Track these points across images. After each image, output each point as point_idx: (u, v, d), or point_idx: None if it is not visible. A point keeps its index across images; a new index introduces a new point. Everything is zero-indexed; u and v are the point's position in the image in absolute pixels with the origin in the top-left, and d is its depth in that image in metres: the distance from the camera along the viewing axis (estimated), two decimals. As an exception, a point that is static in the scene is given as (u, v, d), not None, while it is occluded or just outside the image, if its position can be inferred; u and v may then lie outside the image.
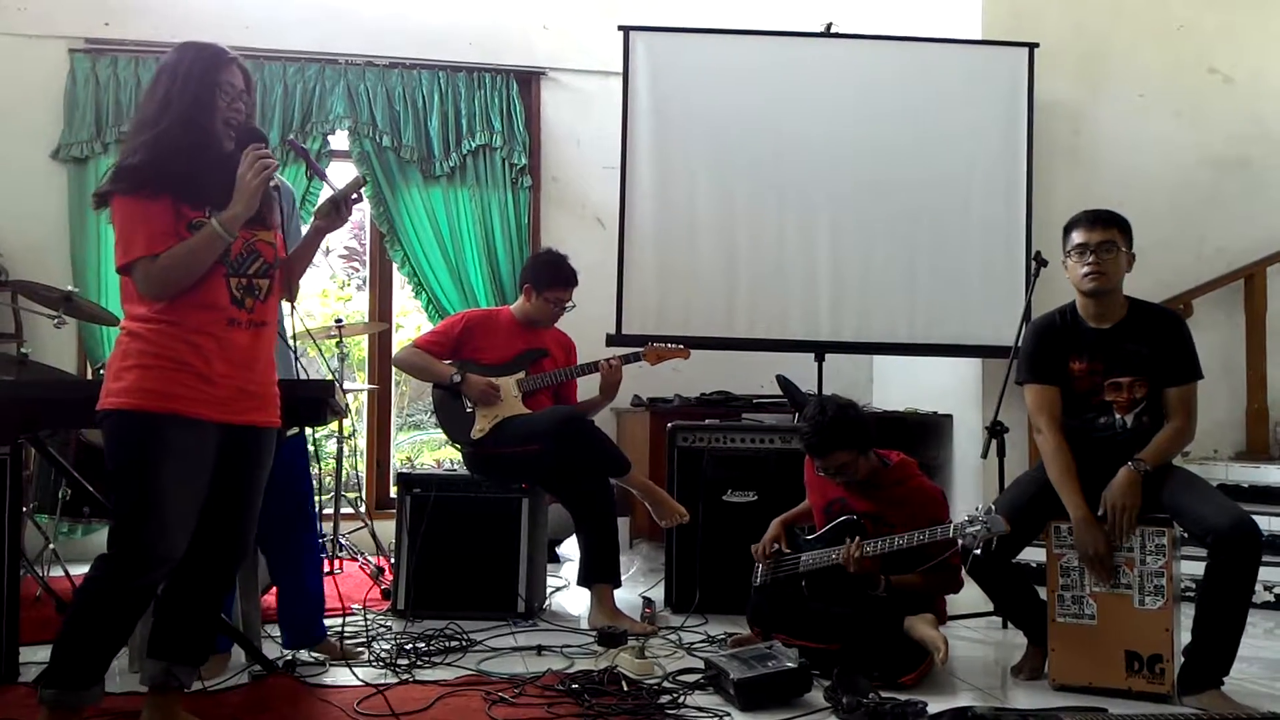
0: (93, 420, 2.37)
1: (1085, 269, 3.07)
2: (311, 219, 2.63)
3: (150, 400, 2.30)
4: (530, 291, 4.14)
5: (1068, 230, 3.16)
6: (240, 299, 2.42)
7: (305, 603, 3.32)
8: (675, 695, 2.88)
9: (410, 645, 3.36)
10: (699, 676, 3.04)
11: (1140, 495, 2.96)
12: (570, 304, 4.17)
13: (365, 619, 3.81)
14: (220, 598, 2.58)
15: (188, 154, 2.35)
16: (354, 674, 3.03)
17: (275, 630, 3.42)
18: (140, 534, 2.30)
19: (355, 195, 2.62)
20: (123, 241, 2.33)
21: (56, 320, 4.03)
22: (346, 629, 3.62)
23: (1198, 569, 2.93)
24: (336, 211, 2.58)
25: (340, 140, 5.56)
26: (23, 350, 4.20)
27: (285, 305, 2.67)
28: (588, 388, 4.25)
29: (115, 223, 2.35)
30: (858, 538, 3.18)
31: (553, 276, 4.12)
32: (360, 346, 6.49)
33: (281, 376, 2.68)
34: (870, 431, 3.33)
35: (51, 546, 4.12)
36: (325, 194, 2.74)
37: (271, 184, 2.47)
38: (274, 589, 3.39)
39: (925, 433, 5.29)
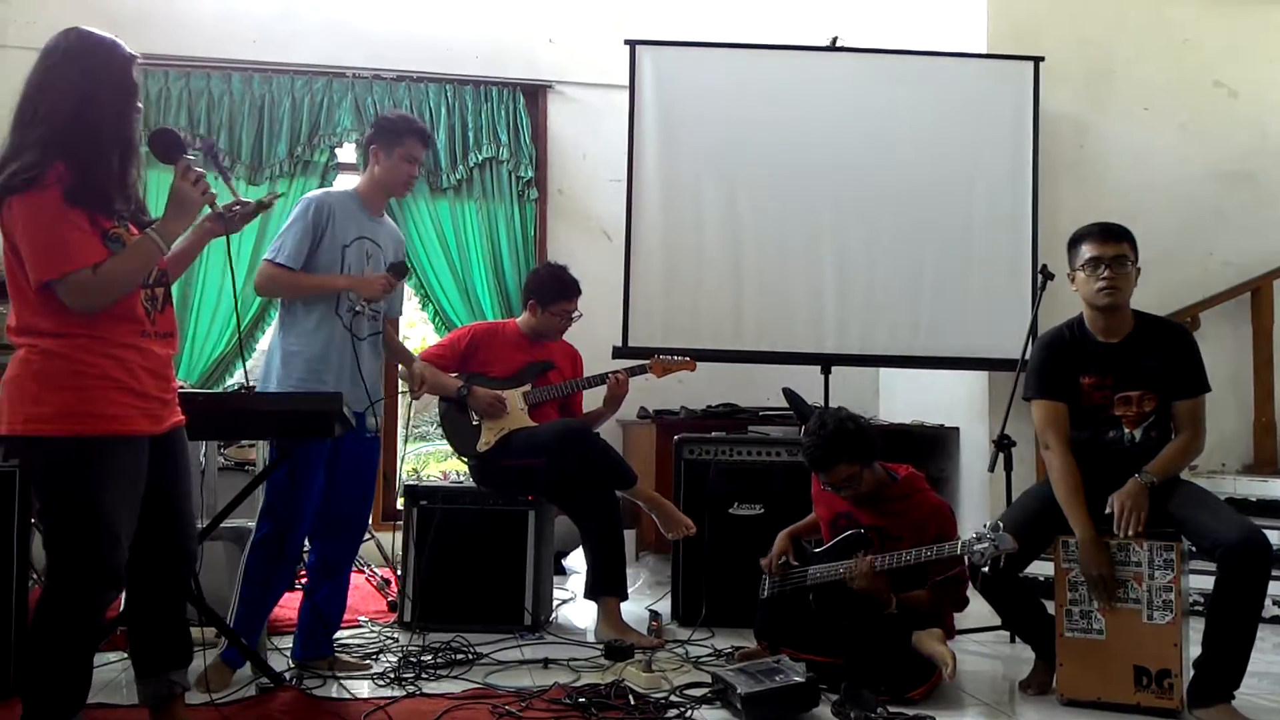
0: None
1: (1100, 284, 3.05)
2: (201, 220, 2.51)
3: (88, 424, 2.20)
4: (535, 307, 4.14)
5: (1075, 243, 3.15)
6: (148, 311, 2.36)
7: (330, 614, 3.33)
8: (682, 709, 2.88)
9: (416, 658, 3.35)
10: (706, 690, 3.03)
11: (1148, 502, 2.95)
12: (576, 314, 4.17)
13: (372, 631, 3.82)
14: (183, 597, 2.54)
15: (109, 165, 2.27)
16: (361, 687, 3.03)
17: (279, 642, 3.43)
18: (93, 556, 2.22)
19: (256, 216, 2.59)
20: (45, 251, 2.17)
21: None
22: (352, 641, 3.63)
23: (1206, 583, 2.92)
24: (222, 219, 2.49)
25: (348, 153, 5.58)
26: None
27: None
28: (593, 400, 4.25)
29: (23, 227, 2.17)
30: (866, 553, 3.18)
31: (556, 290, 4.12)
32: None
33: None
34: (873, 444, 3.31)
35: (58, 558, 4.12)
36: (242, 199, 2.61)
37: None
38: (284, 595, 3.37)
39: (931, 446, 5.28)
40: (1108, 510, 2.98)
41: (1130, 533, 2.93)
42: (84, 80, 2.27)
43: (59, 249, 2.17)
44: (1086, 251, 3.10)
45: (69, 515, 2.24)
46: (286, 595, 3.93)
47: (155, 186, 4.53)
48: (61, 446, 2.20)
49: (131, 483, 2.29)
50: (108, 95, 2.29)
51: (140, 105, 2.41)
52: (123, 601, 2.55)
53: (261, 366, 3.26)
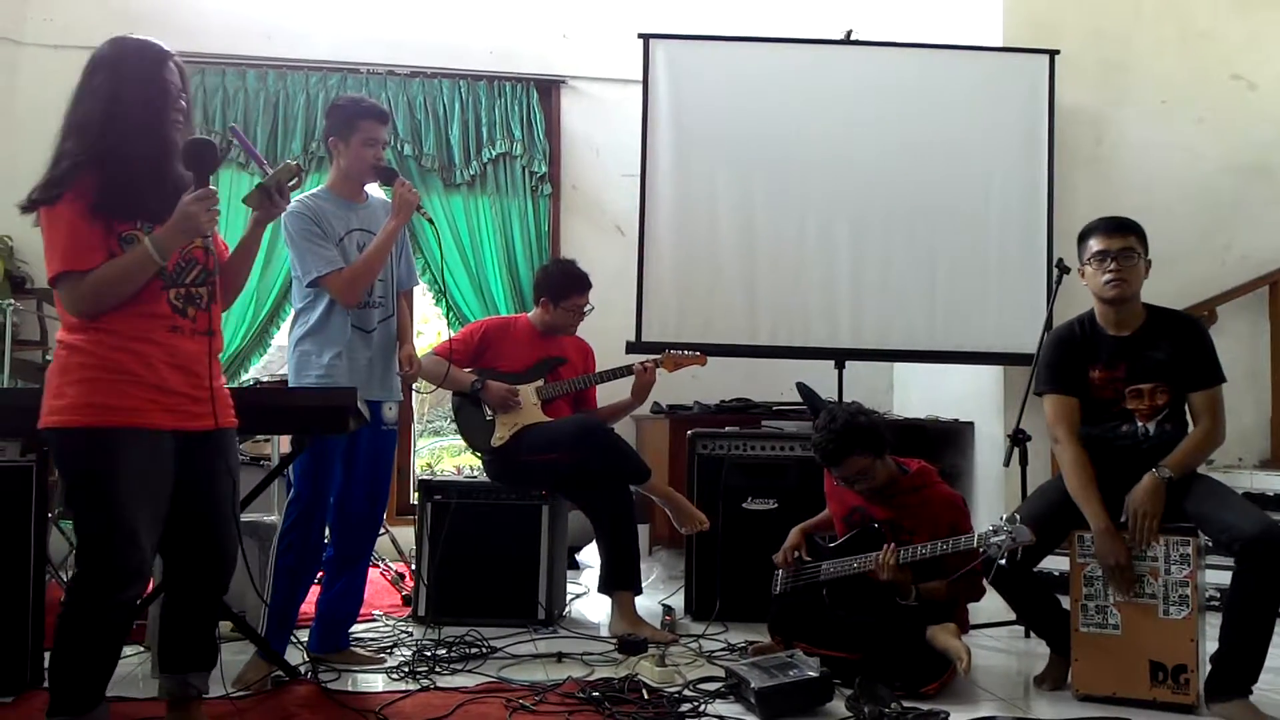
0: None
1: (1107, 276, 3.05)
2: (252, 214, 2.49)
3: (99, 415, 2.22)
4: (548, 304, 4.14)
5: (1084, 237, 3.15)
6: (181, 308, 2.35)
7: (346, 607, 3.35)
8: (696, 704, 2.88)
9: (431, 652, 3.37)
10: (720, 685, 3.04)
11: (1163, 502, 2.94)
12: (589, 308, 4.18)
13: (386, 625, 3.83)
14: (216, 601, 2.53)
15: (140, 169, 2.27)
16: (376, 680, 3.04)
17: (295, 635, 3.43)
18: (108, 551, 2.23)
19: (294, 181, 2.48)
20: (49, 255, 2.24)
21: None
22: (367, 635, 3.64)
23: (1223, 578, 2.91)
24: (270, 200, 2.45)
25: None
26: (47, 358, 4.24)
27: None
28: (610, 393, 4.25)
29: (45, 235, 2.25)
30: (893, 544, 3.17)
31: (568, 286, 4.12)
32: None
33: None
34: (884, 435, 3.31)
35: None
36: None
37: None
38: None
39: (946, 441, 5.27)
40: (1123, 518, 2.96)
41: (1144, 546, 2.92)
42: (111, 88, 2.30)
43: (58, 253, 2.23)
44: (1094, 245, 3.09)
45: (84, 507, 2.26)
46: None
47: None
48: (74, 437, 2.23)
49: (148, 477, 2.27)
50: (135, 99, 2.30)
51: (180, 103, 2.36)
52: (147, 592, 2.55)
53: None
